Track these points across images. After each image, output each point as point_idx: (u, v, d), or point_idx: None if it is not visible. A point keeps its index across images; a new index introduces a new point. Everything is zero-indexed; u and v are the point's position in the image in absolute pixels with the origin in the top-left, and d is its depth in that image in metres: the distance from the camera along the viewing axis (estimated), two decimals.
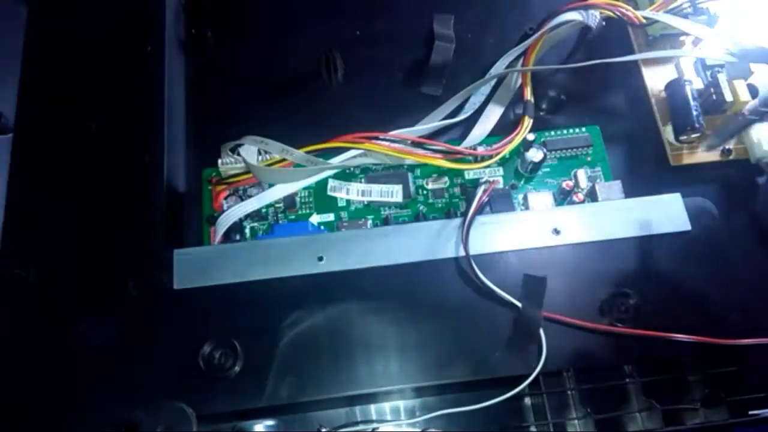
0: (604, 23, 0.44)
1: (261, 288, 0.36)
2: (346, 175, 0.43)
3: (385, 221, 0.41)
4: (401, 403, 0.37)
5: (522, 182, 0.43)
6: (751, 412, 0.34)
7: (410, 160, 0.41)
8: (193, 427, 0.32)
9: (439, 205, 0.42)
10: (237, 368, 0.34)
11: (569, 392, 0.35)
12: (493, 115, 0.44)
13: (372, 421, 0.36)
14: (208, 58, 0.46)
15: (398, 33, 0.47)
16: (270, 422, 0.35)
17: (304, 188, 0.42)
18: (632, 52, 0.45)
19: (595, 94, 0.45)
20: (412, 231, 0.38)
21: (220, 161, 0.41)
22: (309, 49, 0.45)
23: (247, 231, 0.41)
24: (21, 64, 0.42)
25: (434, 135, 0.43)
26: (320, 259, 0.37)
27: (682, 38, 0.45)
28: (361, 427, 0.35)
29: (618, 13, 0.42)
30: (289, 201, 0.42)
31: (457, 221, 0.38)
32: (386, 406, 0.37)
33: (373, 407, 0.37)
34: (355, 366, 0.35)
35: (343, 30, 0.47)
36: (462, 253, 0.37)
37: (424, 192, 0.42)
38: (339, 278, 0.37)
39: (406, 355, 0.35)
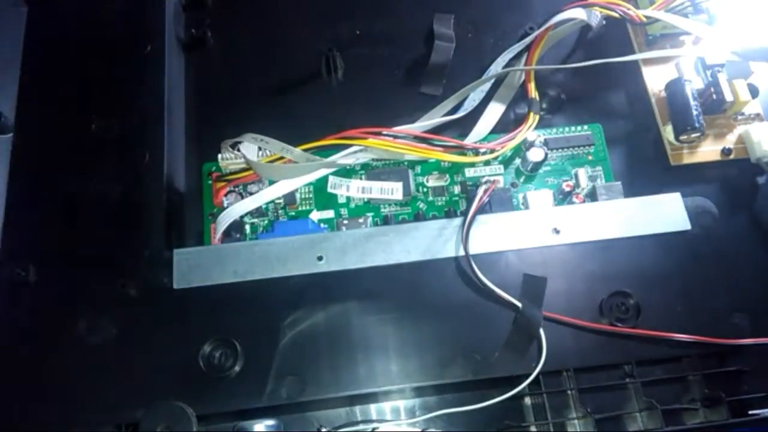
0: (604, 22, 0.44)
1: (261, 288, 0.36)
2: (346, 172, 0.42)
3: (385, 219, 0.41)
4: (401, 403, 0.37)
5: (522, 181, 0.43)
6: (751, 412, 0.34)
7: (411, 155, 0.41)
8: (193, 427, 0.32)
9: (439, 203, 0.42)
10: (237, 368, 0.34)
11: (569, 392, 0.35)
12: (494, 112, 0.44)
13: (372, 421, 0.36)
14: (208, 58, 0.46)
15: (398, 33, 0.47)
16: (270, 422, 0.35)
17: (305, 185, 0.42)
18: (632, 52, 0.45)
19: (595, 94, 0.45)
20: (412, 231, 0.38)
21: (219, 156, 0.41)
22: (309, 49, 0.45)
23: (248, 228, 0.41)
24: (21, 64, 0.42)
25: (434, 133, 0.43)
26: (320, 258, 0.37)
27: (682, 37, 0.45)
28: (361, 427, 0.35)
29: (619, 12, 0.42)
30: (290, 197, 0.42)
31: (458, 221, 0.38)
32: (386, 406, 0.37)
33: (373, 407, 0.37)
34: (355, 366, 0.35)
35: (343, 30, 0.47)
36: (462, 252, 0.37)
37: (425, 189, 0.42)
38: (339, 278, 0.37)
39: (406, 355, 0.35)
